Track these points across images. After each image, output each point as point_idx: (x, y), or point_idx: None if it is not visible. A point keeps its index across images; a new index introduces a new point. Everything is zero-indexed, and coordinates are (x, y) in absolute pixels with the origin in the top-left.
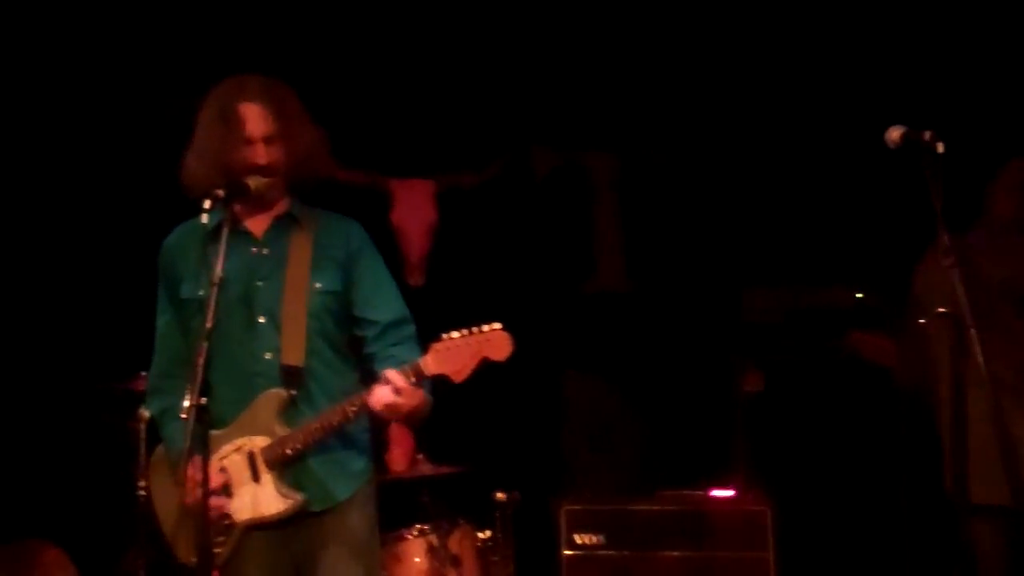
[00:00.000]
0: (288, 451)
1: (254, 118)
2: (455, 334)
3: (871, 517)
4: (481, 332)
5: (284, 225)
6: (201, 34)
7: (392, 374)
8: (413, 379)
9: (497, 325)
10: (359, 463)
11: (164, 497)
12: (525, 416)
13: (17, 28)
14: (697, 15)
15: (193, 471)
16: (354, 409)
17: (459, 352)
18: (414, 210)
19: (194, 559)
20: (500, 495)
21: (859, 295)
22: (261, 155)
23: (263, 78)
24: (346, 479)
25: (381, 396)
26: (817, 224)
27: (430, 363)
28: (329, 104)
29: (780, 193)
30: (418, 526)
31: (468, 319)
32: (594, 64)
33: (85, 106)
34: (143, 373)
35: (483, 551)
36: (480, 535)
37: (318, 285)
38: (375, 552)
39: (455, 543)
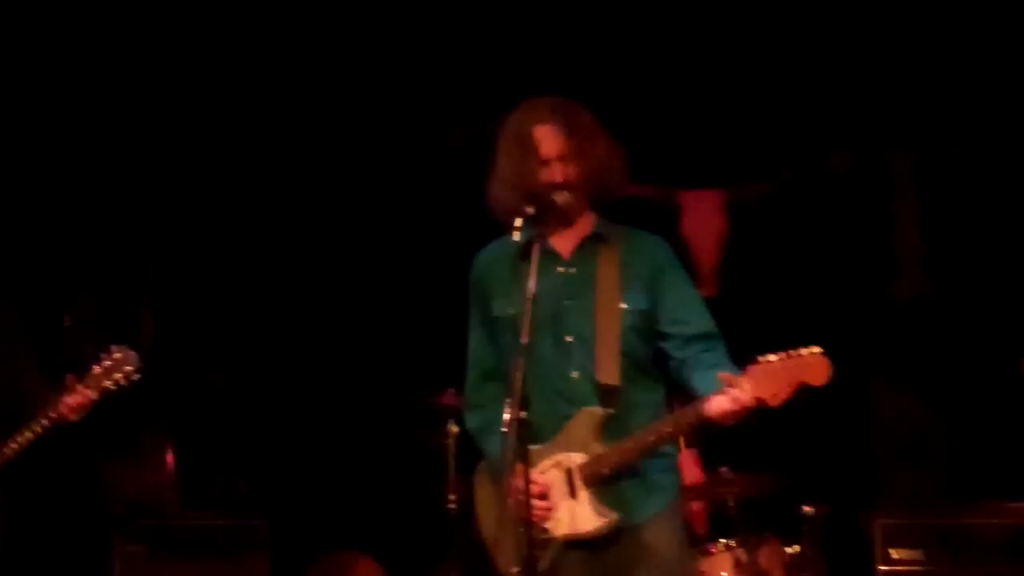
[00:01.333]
0: (606, 469)
1: (547, 138)
2: (772, 357)
3: None
4: (799, 355)
5: (590, 244)
6: (490, 60)
7: (729, 377)
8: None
9: (816, 349)
10: (668, 478)
11: (486, 509)
12: (831, 427)
13: (301, 69)
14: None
15: (516, 481)
16: (668, 430)
17: (776, 376)
18: (704, 221)
19: (514, 570)
20: (808, 509)
21: None
22: (558, 173)
23: (553, 99)
24: (657, 495)
25: (720, 404)
26: None
27: (747, 385)
28: (617, 119)
29: None
30: (724, 541)
31: (764, 330)
32: (884, 59)
33: (394, 132)
34: (451, 389)
35: (791, 566)
36: (788, 550)
37: (624, 305)
38: (687, 567)
39: (764, 558)
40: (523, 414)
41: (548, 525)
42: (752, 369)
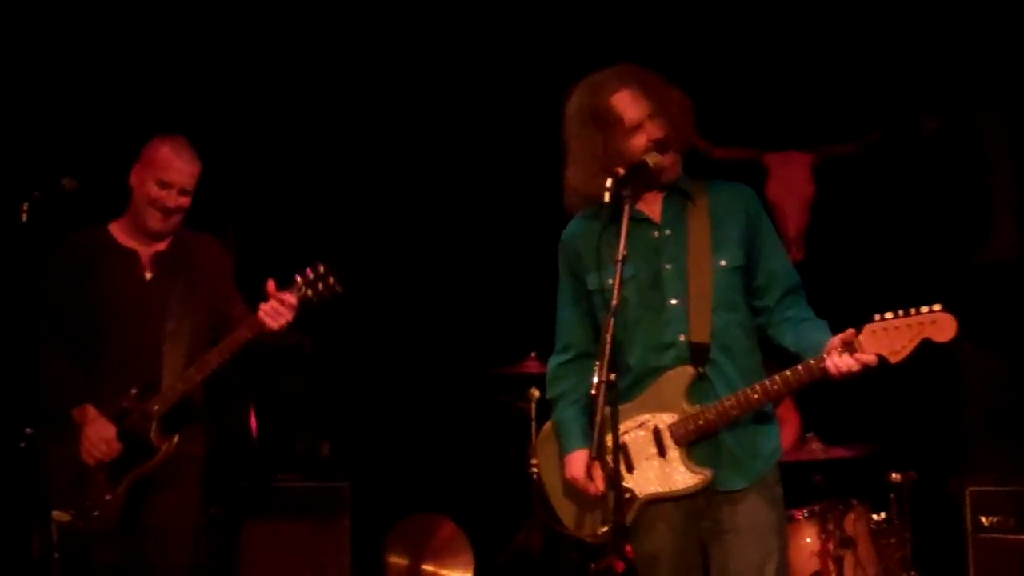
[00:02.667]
0: (697, 427)
1: (630, 104)
2: (889, 315)
3: None
4: (921, 313)
5: (677, 202)
6: (574, 23)
7: (846, 338)
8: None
9: (938, 306)
10: (771, 443)
11: (551, 472)
12: (920, 393)
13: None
14: None
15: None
16: (776, 387)
17: (897, 333)
18: (791, 184)
19: (602, 529)
20: (895, 475)
21: None
22: (653, 132)
23: (612, 68)
24: (759, 459)
25: (841, 363)
26: None
27: (865, 342)
28: (704, 80)
29: None
30: (809, 507)
31: (853, 295)
32: (976, 19)
33: (477, 97)
34: (533, 354)
35: (877, 533)
36: (875, 517)
37: (723, 263)
38: (784, 536)
39: (849, 525)
40: (612, 377)
41: (630, 485)
42: (870, 326)
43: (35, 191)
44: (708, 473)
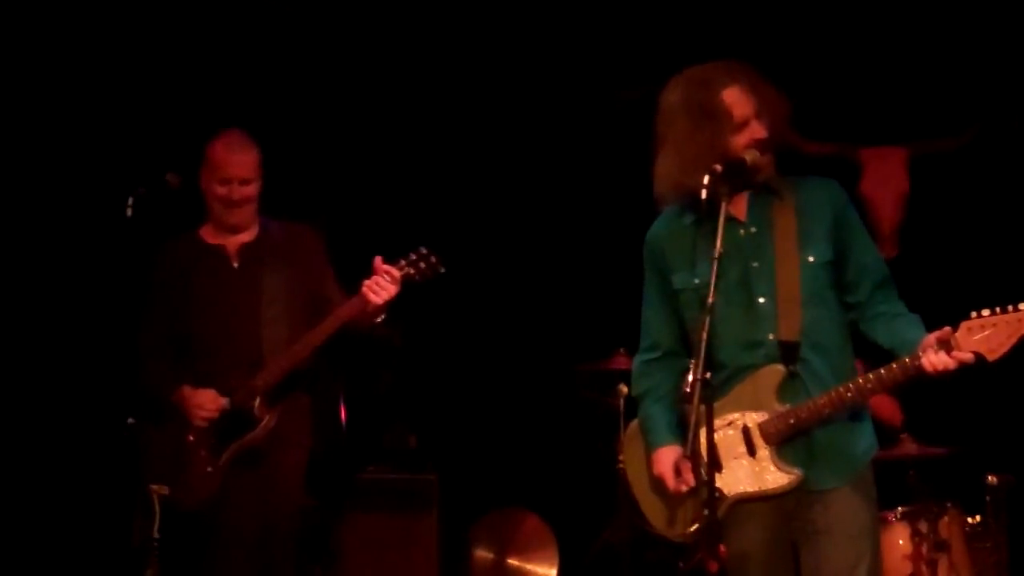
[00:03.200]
0: (788, 426)
1: (740, 101)
2: (986, 312)
3: None
4: (1019, 310)
5: (763, 199)
6: (659, 21)
7: (942, 336)
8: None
9: None
10: (864, 442)
11: (638, 470)
12: (1019, 394)
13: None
14: None
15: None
16: (870, 386)
17: (995, 330)
18: (885, 179)
19: (672, 529)
20: (992, 478)
21: None
22: (759, 130)
23: (724, 62)
24: (851, 459)
25: (937, 362)
26: None
27: (961, 339)
28: (798, 74)
29: None
30: (902, 508)
31: (949, 292)
32: None
33: (562, 94)
34: (621, 350)
35: (973, 537)
36: (970, 520)
37: (811, 259)
38: (878, 538)
39: (944, 527)
40: (707, 375)
41: (719, 484)
42: (967, 323)
43: (140, 187)
44: (799, 472)
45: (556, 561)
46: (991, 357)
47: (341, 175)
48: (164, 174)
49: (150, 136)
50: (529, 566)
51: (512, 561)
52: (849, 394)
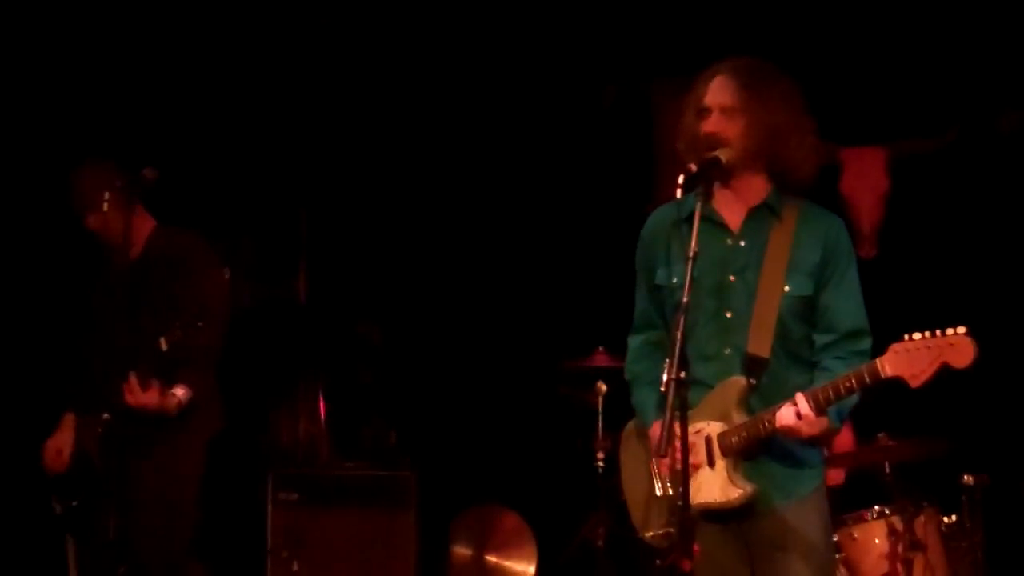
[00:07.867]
0: (735, 440)
1: (715, 88)
2: (916, 336)
3: None
4: (944, 336)
5: (762, 217)
6: (644, 19)
7: (800, 398)
8: (847, 389)
9: (962, 329)
10: (815, 458)
11: (629, 468)
12: (994, 394)
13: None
14: None
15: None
16: (768, 423)
17: (919, 355)
18: (865, 179)
19: (648, 530)
20: (968, 477)
21: None
22: (711, 124)
23: (746, 58)
24: (805, 474)
25: (783, 417)
26: None
27: (887, 365)
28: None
29: None
30: (878, 507)
31: (924, 294)
32: None
33: (547, 91)
34: (600, 348)
35: (948, 536)
36: (945, 519)
37: (787, 288)
38: (832, 552)
39: (920, 527)
40: (683, 374)
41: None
42: (895, 347)
43: (118, 181)
44: (749, 488)
45: (535, 558)
46: (914, 384)
47: (324, 173)
48: (141, 169)
49: (127, 131)
50: (507, 563)
51: (490, 558)
52: (765, 421)
